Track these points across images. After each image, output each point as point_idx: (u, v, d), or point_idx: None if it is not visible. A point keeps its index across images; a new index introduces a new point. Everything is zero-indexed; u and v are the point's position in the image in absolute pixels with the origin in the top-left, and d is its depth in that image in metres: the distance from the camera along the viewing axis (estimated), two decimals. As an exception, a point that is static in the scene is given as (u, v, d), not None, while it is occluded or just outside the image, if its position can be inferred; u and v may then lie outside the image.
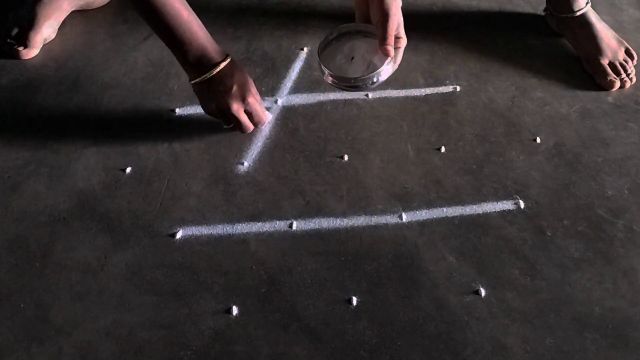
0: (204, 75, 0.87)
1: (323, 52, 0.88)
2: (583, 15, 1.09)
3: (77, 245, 0.84)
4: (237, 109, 0.89)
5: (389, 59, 0.85)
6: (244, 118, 0.91)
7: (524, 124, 1.01)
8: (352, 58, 0.87)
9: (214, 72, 0.87)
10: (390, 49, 0.84)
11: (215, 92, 0.88)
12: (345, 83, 0.86)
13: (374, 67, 0.85)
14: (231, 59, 0.89)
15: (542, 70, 1.11)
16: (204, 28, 0.87)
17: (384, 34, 0.84)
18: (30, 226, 0.86)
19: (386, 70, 0.86)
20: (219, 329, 0.76)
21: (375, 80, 0.85)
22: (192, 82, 0.89)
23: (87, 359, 0.73)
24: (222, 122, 0.93)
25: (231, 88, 0.88)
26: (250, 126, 0.92)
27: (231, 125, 0.92)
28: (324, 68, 0.87)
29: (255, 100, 0.91)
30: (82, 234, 0.85)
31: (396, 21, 0.85)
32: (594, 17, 1.09)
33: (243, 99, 0.89)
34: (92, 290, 0.79)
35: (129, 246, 0.84)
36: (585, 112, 1.04)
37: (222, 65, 0.87)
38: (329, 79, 0.88)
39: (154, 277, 0.81)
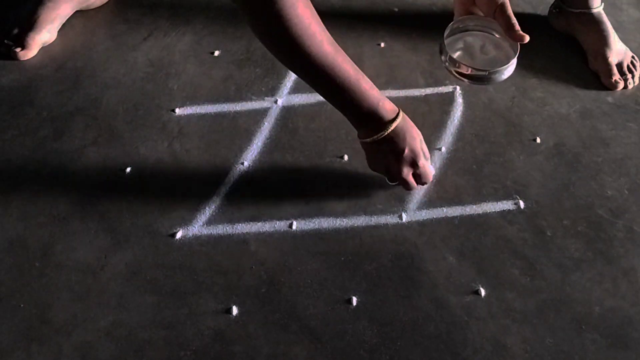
0: (375, 136, 0.82)
1: (446, 44, 0.84)
2: (598, 13, 1.11)
3: (77, 245, 0.84)
4: (407, 173, 0.85)
5: (518, 48, 0.81)
6: (411, 180, 0.86)
7: (524, 124, 1.01)
8: (476, 51, 0.83)
9: (385, 134, 0.81)
10: (523, 34, 0.78)
11: (386, 154, 0.84)
12: (477, 74, 0.82)
13: (505, 59, 0.82)
14: (403, 116, 0.83)
15: (542, 70, 1.10)
16: (373, 84, 0.81)
17: (509, 21, 0.78)
18: (30, 226, 0.86)
19: (514, 62, 0.83)
20: (219, 329, 0.76)
21: (505, 74, 0.83)
22: (362, 141, 0.85)
23: (87, 359, 0.73)
24: (386, 178, 0.89)
25: (402, 151, 0.83)
26: (415, 187, 0.87)
27: (396, 183, 0.88)
28: (454, 59, 0.82)
29: (426, 162, 0.86)
30: (82, 234, 0.85)
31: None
32: (605, 17, 1.11)
33: (414, 163, 0.85)
34: (92, 290, 0.79)
35: (129, 246, 0.84)
36: (585, 112, 1.04)
37: (394, 125, 0.81)
38: (458, 70, 0.83)
39: (154, 277, 0.81)
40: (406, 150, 0.83)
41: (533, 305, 0.79)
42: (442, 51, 0.82)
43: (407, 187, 0.87)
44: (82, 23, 1.17)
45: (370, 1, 1.23)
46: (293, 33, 0.73)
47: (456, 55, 0.82)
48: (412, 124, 0.85)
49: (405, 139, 0.83)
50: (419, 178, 0.87)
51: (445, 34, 0.83)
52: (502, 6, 0.79)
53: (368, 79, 0.81)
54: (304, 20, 0.73)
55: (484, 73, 0.81)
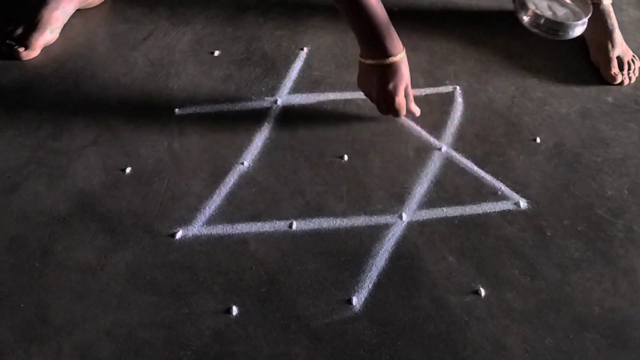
0: (374, 62, 0.92)
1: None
2: (608, 7, 1.12)
3: (77, 245, 0.84)
4: (400, 98, 0.94)
5: (590, 7, 0.90)
6: (384, 106, 0.95)
7: (524, 124, 1.01)
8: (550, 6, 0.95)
9: (384, 62, 0.91)
10: None
11: (376, 78, 0.93)
12: (551, 26, 0.92)
13: (578, 16, 0.90)
14: (403, 58, 0.92)
15: (542, 70, 1.11)
16: (391, 25, 0.91)
17: None
18: (30, 226, 0.86)
19: (586, 21, 0.92)
20: (219, 329, 0.76)
21: (577, 31, 0.91)
22: (362, 61, 0.94)
23: (87, 359, 0.73)
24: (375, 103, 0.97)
25: (387, 84, 0.92)
26: (386, 113, 0.97)
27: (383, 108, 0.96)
28: (532, 6, 0.92)
29: (402, 100, 0.95)
30: (82, 234, 0.85)
31: None
32: (613, 12, 1.13)
33: (392, 97, 0.93)
34: (92, 290, 0.79)
35: (129, 246, 0.84)
36: (585, 112, 1.04)
37: (392, 60, 0.91)
38: (532, 19, 0.93)
39: (154, 277, 0.81)
40: (390, 85, 0.92)
41: (533, 305, 0.79)
42: (520, 4, 0.94)
43: (381, 110, 0.97)
44: (82, 23, 1.17)
45: (370, 1, 1.23)
46: None
47: (539, 5, 0.95)
48: (407, 66, 0.93)
49: (395, 76, 0.92)
50: (394, 111, 0.95)
51: None
52: None
53: (389, 21, 0.91)
54: None
55: (559, 24, 0.92)
